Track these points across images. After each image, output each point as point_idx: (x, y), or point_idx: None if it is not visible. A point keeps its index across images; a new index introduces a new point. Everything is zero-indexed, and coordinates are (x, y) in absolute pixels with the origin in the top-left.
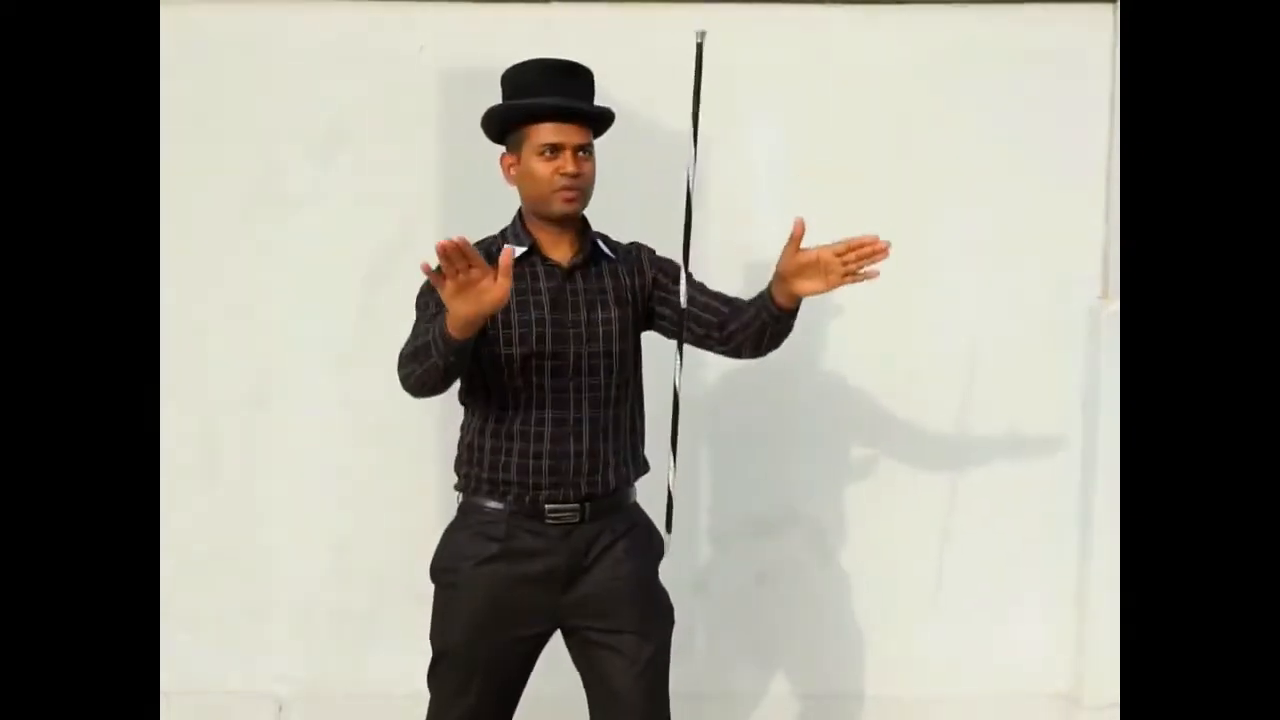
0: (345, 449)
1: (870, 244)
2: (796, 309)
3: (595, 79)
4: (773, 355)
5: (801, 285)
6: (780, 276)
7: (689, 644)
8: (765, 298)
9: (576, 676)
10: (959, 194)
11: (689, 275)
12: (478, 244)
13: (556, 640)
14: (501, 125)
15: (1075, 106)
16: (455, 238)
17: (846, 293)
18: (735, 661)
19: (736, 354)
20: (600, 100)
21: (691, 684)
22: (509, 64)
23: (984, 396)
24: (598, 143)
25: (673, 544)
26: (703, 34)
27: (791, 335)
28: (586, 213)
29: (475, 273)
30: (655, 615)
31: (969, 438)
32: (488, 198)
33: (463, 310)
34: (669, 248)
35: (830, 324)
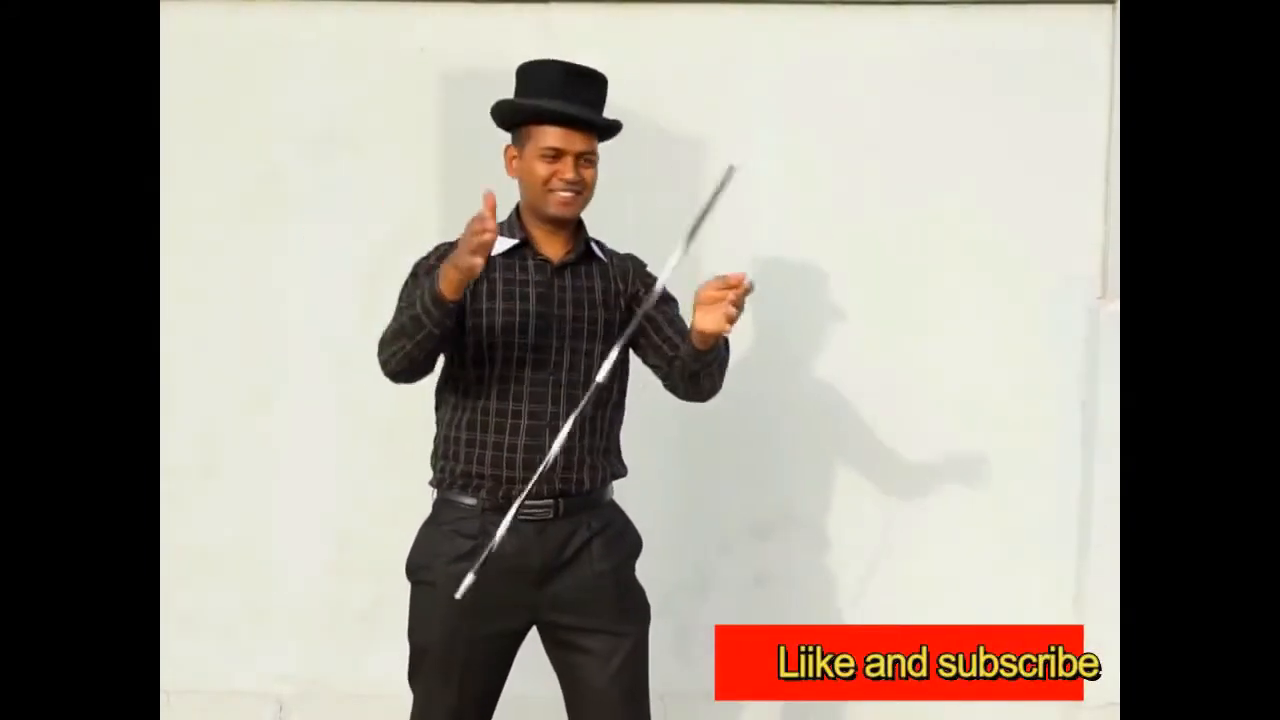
0: (345, 449)
1: (738, 281)
2: (711, 350)
3: (608, 87)
4: (772, 354)
5: (695, 321)
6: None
7: (689, 644)
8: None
9: None
10: (958, 194)
11: (669, 307)
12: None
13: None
14: (510, 119)
15: (1075, 106)
16: (488, 196)
17: (846, 292)
18: None
19: (674, 390)
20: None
21: (691, 684)
22: (508, 65)
23: (984, 396)
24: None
25: (673, 545)
26: (732, 169)
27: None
28: (584, 216)
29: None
30: (631, 614)
31: (969, 438)
32: None
33: (468, 259)
34: (663, 247)
35: (830, 324)
